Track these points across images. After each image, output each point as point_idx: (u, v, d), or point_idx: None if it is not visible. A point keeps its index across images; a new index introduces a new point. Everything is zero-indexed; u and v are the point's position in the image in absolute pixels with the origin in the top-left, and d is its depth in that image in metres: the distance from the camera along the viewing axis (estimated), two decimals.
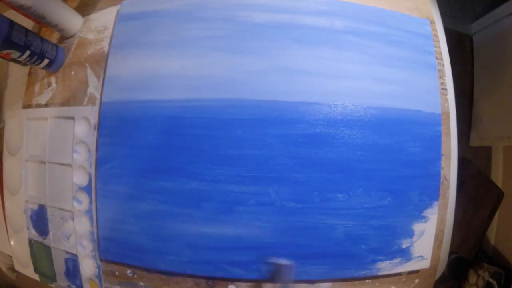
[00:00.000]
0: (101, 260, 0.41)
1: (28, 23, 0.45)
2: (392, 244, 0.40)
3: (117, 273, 0.41)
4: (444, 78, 0.45)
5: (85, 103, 0.44)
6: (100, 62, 0.44)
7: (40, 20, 0.42)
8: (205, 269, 0.39)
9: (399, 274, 0.42)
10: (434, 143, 0.41)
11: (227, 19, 0.42)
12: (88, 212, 0.41)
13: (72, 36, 0.47)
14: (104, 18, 0.46)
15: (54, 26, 0.44)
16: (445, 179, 0.43)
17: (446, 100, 0.44)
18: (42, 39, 0.42)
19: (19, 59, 0.41)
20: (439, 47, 0.45)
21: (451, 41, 0.45)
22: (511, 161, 1.17)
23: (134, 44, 0.43)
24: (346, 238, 0.39)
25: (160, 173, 0.40)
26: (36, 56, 0.42)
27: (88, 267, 0.42)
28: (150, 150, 0.40)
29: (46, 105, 0.45)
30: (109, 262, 0.41)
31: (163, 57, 0.41)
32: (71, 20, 0.45)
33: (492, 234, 1.19)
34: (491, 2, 1.18)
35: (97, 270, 0.41)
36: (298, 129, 0.39)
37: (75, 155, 0.42)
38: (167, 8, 0.43)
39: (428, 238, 0.41)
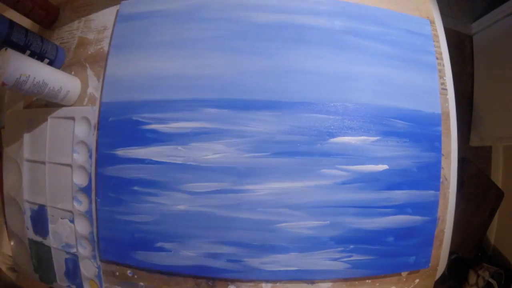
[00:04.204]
0: (101, 260, 0.41)
1: (28, 23, 0.45)
2: (392, 244, 0.40)
3: (117, 273, 0.41)
4: (444, 78, 0.45)
5: (85, 103, 0.44)
6: (100, 62, 0.44)
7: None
8: (205, 269, 0.39)
9: (399, 274, 0.42)
10: (434, 143, 0.42)
11: (227, 19, 0.42)
12: (88, 212, 0.41)
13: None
14: (104, 18, 0.46)
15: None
16: (445, 179, 0.43)
17: (446, 100, 0.44)
18: (42, 39, 0.42)
19: None
20: (439, 47, 0.45)
21: (451, 41, 0.45)
22: (511, 161, 1.17)
23: (134, 44, 0.43)
24: (346, 238, 0.39)
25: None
26: (36, 56, 0.42)
27: (88, 267, 0.42)
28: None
29: (46, 105, 0.45)
30: (109, 262, 0.41)
31: (163, 57, 0.41)
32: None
33: (492, 234, 1.19)
34: (491, 2, 1.18)
35: (97, 270, 0.41)
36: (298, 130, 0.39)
37: (75, 155, 0.42)
38: (167, 8, 0.43)
39: (428, 238, 0.41)
